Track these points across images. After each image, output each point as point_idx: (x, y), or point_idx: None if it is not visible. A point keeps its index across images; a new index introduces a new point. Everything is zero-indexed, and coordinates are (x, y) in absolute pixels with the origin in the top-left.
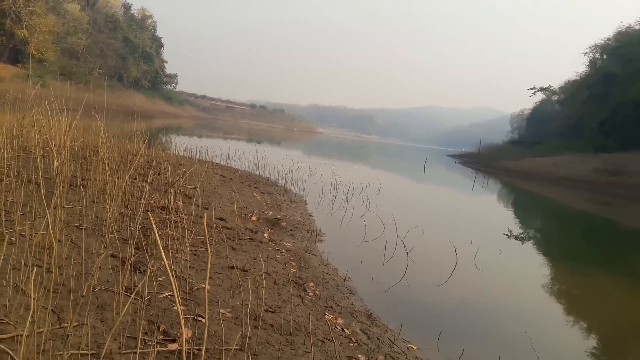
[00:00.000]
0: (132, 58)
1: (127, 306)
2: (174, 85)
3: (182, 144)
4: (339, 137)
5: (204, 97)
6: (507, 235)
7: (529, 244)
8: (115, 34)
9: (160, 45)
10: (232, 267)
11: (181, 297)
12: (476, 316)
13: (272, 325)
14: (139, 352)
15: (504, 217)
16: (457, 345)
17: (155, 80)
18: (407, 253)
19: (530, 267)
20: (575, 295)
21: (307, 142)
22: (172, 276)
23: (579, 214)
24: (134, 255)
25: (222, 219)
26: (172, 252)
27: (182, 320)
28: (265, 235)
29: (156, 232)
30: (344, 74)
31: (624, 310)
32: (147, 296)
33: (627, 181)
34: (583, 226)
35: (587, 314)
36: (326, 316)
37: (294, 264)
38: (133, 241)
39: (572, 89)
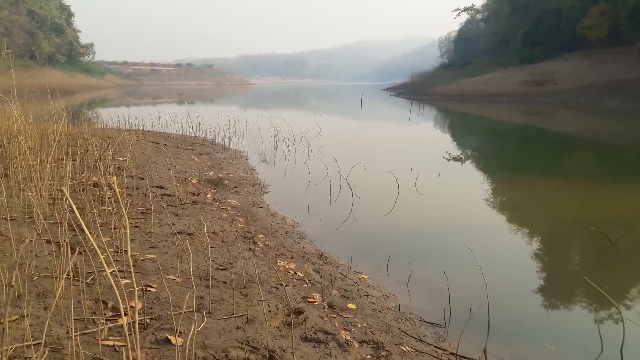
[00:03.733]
0: (41, 32)
1: (60, 288)
2: (92, 55)
3: (109, 116)
4: (274, 86)
5: (125, 63)
6: (445, 158)
7: (467, 163)
8: (18, 9)
9: (70, 14)
10: (177, 233)
11: (126, 271)
12: (421, 238)
13: (224, 282)
14: (90, 332)
15: (441, 142)
16: (405, 268)
17: (71, 53)
18: (352, 190)
19: (470, 184)
20: (515, 203)
21: (241, 95)
22: (97, 248)
23: (511, 127)
24: (70, 238)
25: (160, 187)
26: (111, 228)
27: (116, 292)
28: (209, 196)
29: (75, 209)
30: (270, 19)
31: (562, 209)
32: (91, 275)
33: (554, 88)
34: (517, 138)
35: (528, 218)
36: (278, 263)
37: (241, 219)
38: (65, 223)
39: (495, 5)
